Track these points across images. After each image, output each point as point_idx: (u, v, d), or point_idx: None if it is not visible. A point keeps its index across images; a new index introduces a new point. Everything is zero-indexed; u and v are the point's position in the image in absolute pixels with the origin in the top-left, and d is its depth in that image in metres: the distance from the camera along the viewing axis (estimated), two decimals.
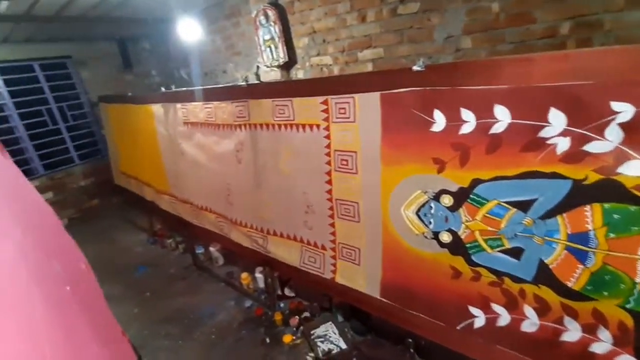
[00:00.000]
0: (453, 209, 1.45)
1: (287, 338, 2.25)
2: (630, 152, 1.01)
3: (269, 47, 3.38)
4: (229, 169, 2.42)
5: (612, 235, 1.10)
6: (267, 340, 2.33)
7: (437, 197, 1.48)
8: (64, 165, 4.96)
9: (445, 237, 1.51)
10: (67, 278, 0.77)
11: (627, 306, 1.11)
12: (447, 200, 1.46)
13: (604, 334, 1.18)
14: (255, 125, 2.13)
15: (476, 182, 1.35)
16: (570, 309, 1.24)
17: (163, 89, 2.84)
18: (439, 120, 1.38)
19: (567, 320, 1.26)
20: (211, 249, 3.24)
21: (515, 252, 1.33)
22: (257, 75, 3.82)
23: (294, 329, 2.36)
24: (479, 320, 1.50)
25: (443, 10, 2.33)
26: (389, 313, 1.81)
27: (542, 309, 1.31)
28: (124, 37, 5.08)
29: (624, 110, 0.99)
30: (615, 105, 1.00)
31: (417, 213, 1.57)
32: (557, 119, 1.11)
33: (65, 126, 4.96)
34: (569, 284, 1.22)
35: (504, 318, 1.42)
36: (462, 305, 1.53)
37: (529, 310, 1.35)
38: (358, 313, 2.20)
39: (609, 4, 1.73)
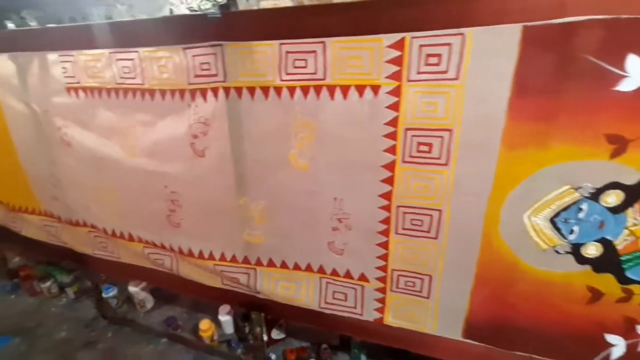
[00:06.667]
0: (619, 209, 0.97)
1: None
2: None
3: None
4: (177, 167, 1.43)
5: None
6: None
7: (595, 195, 0.98)
8: None
9: (592, 250, 1.03)
10: None
11: None
12: (613, 197, 0.96)
13: None
14: (238, 91, 1.22)
15: None
16: None
17: (12, 26, 1.51)
18: (634, 73, 0.84)
19: None
20: (131, 288, 2.12)
21: None
22: None
23: None
24: (618, 349, 1.13)
25: None
26: (473, 358, 1.30)
27: None
28: None
29: None
30: None
31: (551, 219, 1.04)
32: None
33: None
34: None
35: None
36: (598, 334, 1.13)
37: None
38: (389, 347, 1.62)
39: None
